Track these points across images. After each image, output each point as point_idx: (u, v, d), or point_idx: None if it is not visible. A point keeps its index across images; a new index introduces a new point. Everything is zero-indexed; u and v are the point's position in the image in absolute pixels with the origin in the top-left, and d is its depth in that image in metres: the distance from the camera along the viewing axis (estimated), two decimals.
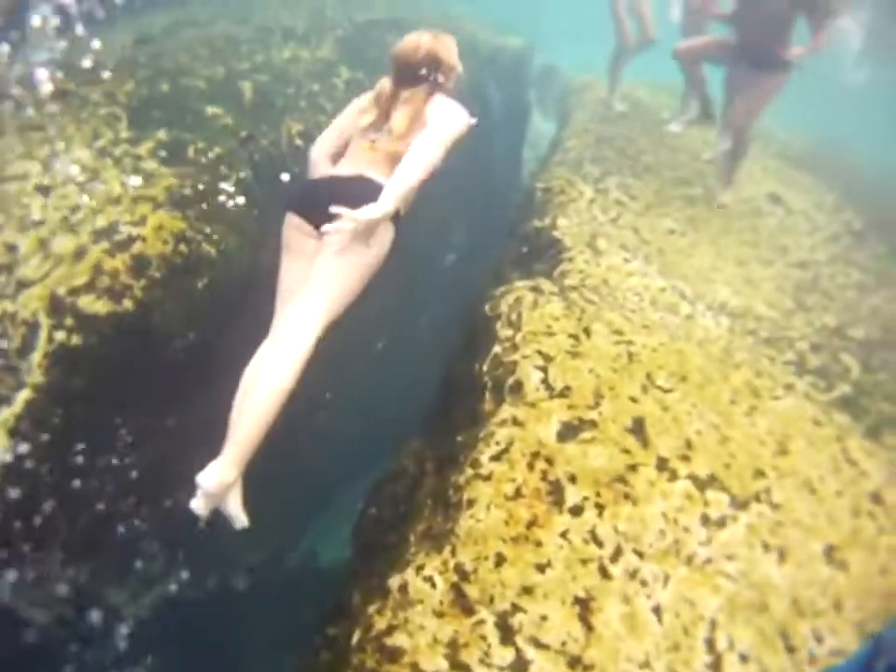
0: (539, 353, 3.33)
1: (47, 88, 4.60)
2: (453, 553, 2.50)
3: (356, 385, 6.45)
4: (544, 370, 3.24)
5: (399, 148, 3.39)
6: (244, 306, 4.32)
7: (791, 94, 6.52)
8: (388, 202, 3.14)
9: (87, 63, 5.06)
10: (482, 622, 2.30)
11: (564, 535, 2.58)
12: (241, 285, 4.44)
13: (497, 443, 2.87)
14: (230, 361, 3.38)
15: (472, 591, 2.38)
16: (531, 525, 2.59)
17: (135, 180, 4.23)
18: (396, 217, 3.37)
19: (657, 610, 2.46)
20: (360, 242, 3.23)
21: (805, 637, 2.63)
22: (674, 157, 7.50)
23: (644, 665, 2.30)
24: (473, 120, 3.56)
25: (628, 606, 2.44)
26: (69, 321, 3.60)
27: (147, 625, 4.54)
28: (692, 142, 8.17)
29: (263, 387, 3.06)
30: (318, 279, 3.26)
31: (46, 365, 3.52)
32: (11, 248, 3.77)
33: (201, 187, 4.43)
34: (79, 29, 4.33)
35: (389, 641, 2.26)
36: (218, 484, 2.98)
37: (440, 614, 2.32)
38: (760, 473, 3.09)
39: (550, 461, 2.80)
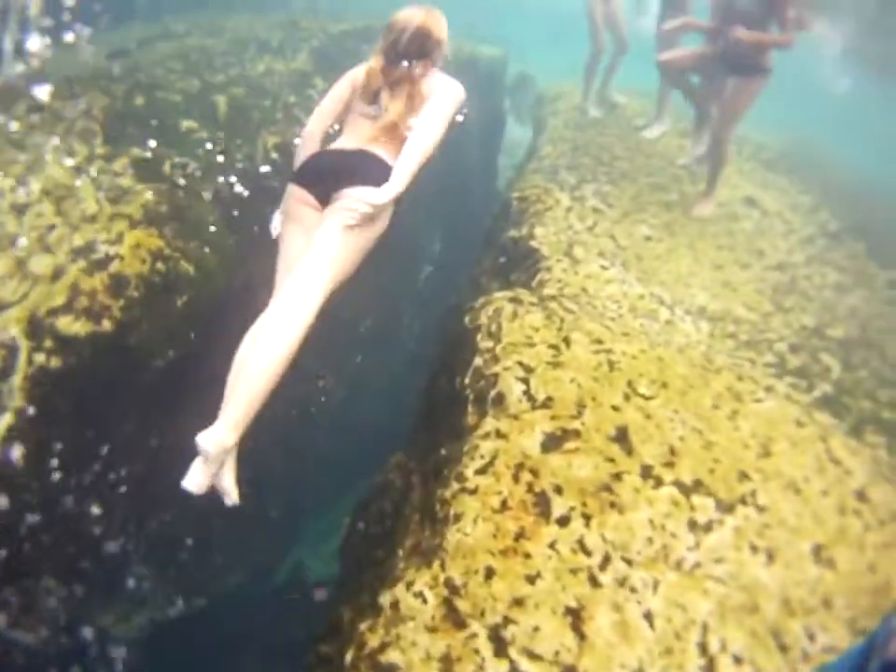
0: (520, 364, 3.33)
1: (21, 103, 4.57)
2: (442, 567, 2.49)
3: (336, 400, 6.44)
4: (526, 381, 3.24)
5: (399, 123, 3.46)
6: (224, 322, 4.29)
7: (776, 98, 6.55)
8: (399, 183, 3.26)
9: (61, 77, 5.04)
10: (474, 635, 2.29)
11: (552, 546, 2.57)
12: (221, 301, 4.42)
13: (482, 456, 2.87)
14: (211, 378, 3.36)
15: (463, 605, 2.37)
16: (519, 537, 2.58)
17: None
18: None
19: (648, 616, 2.46)
20: (367, 218, 3.32)
21: (798, 635, 2.63)
22: (649, 162, 7.55)
23: (638, 671, 2.31)
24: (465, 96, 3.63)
25: (619, 613, 2.44)
26: (48, 343, 3.57)
27: (136, 646, 4.50)
28: (666, 148, 8.23)
29: (268, 350, 3.04)
30: (324, 249, 3.29)
31: (26, 388, 3.49)
32: None
33: (177, 203, 4.41)
34: (54, 43, 4.31)
35: (383, 658, 2.25)
36: (217, 447, 2.90)
37: (432, 629, 2.32)
38: (744, 476, 3.10)
39: (535, 473, 2.80)
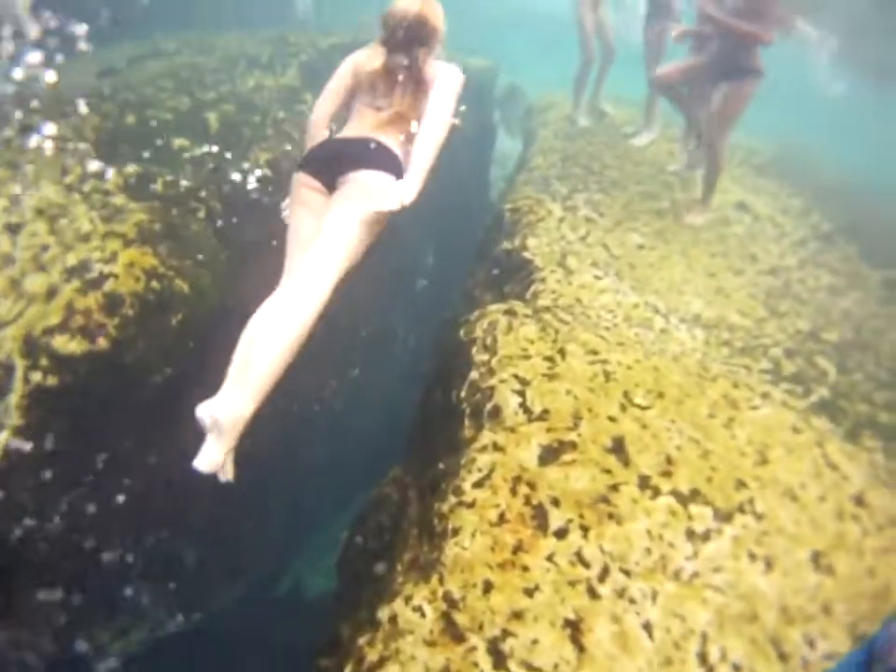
0: (516, 377, 3.34)
1: (13, 123, 4.58)
2: (440, 581, 2.49)
3: (332, 413, 6.43)
4: (522, 393, 3.25)
5: (404, 112, 3.54)
6: (219, 338, 4.29)
7: (771, 104, 6.56)
8: (416, 182, 3.34)
9: (52, 97, 5.04)
10: (473, 648, 2.29)
11: (550, 558, 2.57)
12: (216, 317, 4.42)
13: (479, 470, 2.87)
14: (208, 395, 3.35)
15: (462, 619, 2.37)
16: (517, 550, 2.59)
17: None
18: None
19: (647, 627, 2.47)
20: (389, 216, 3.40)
21: (797, 643, 2.64)
22: (639, 170, 7.58)
23: None
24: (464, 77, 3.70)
25: (618, 625, 2.44)
26: (44, 362, 3.57)
27: (135, 662, 4.49)
28: (656, 155, 8.26)
29: (287, 323, 3.03)
30: (337, 233, 3.31)
31: (24, 406, 3.49)
32: None
33: (171, 221, 4.42)
34: (44, 61, 4.31)
35: None
36: (235, 416, 2.81)
37: (431, 643, 2.31)
38: (742, 484, 3.10)
39: (532, 485, 2.81)
